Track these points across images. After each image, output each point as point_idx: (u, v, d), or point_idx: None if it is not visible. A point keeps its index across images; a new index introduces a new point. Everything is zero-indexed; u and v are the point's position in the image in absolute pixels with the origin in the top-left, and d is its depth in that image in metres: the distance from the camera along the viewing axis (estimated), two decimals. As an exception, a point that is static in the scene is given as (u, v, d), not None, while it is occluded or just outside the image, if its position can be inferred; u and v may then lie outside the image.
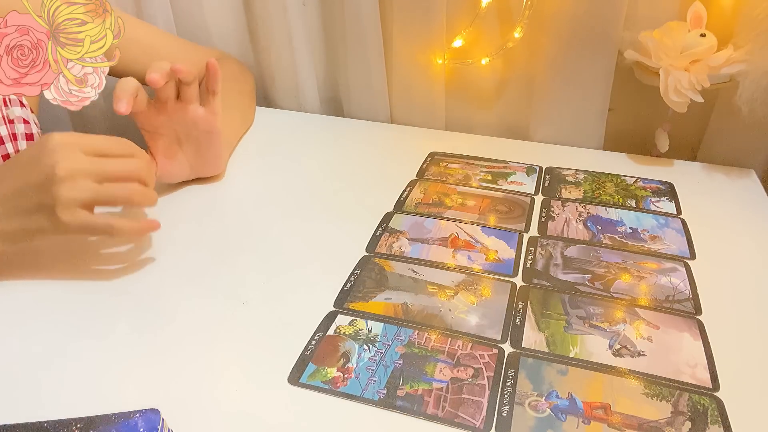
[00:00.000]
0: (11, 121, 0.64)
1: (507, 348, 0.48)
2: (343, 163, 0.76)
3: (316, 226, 0.63)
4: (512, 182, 0.71)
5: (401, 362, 0.46)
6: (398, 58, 0.81)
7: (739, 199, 0.68)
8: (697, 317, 0.51)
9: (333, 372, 0.46)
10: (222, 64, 0.83)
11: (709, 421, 0.42)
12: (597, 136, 0.79)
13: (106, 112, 0.96)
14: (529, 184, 0.70)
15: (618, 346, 0.48)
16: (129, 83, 0.55)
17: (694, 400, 0.43)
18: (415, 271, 0.56)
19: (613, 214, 0.64)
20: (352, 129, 0.86)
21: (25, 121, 0.65)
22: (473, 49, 0.79)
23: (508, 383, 0.44)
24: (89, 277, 0.56)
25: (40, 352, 0.48)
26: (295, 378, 0.45)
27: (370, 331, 0.49)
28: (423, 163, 0.75)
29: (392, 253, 0.59)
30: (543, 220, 0.64)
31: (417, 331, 0.49)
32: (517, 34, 0.75)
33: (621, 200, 0.67)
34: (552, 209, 0.65)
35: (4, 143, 0.63)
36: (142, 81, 0.57)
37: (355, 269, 0.56)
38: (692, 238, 0.61)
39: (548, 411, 0.42)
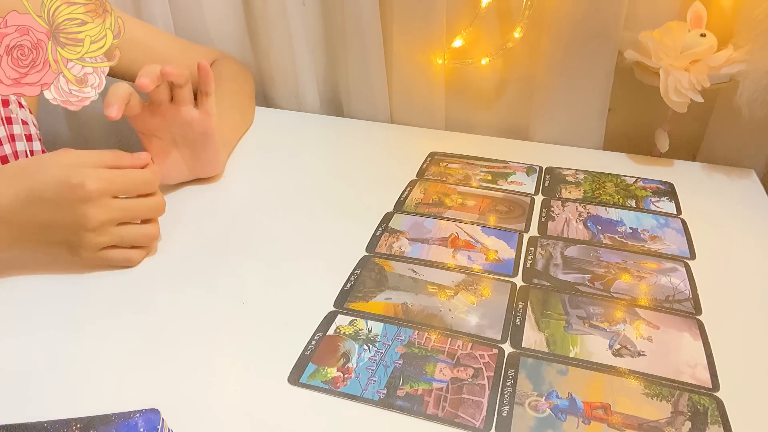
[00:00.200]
0: (9, 121, 0.64)
1: (507, 348, 0.48)
2: (343, 163, 0.76)
3: (316, 226, 0.63)
4: (512, 182, 0.71)
5: (401, 362, 0.46)
6: (398, 58, 0.81)
7: (739, 199, 0.68)
8: (697, 317, 0.51)
9: (333, 372, 0.46)
10: (222, 63, 0.83)
11: (709, 421, 0.42)
12: (597, 136, 0.79)
13: (103, 112, 0.95)
14: (529, 184, 0.70)
15: (618, 346, 0.48)
16: (120, 88, 0.55)
17: (694, 400, 0.43)
18: (415, 271, 0.56)
19: (613, 214, 0.64)
20: (352, 129, 0.86)
21: (24, 122, 0.65)
22: (473, 49, 0.79)
23: (508, 383, 0.44)
24: (89, 277, 0.56)
25: (40, 352, 0.48)
26: (295, 378, 0.45)
27: (370, 331, 0.49)
28: (423, 163, 0.75)
29: (392, 253, 0.59)
30: (543, 220, 0.64)
31: (417, 331, 0.49)
32: (517, 34, 0.75)
33: (621, 200, 0.67)
34: (552, 209, 0.65)
35: (2, 144, 0.63)
36: None
37: (355, 269, 0.56)
38: (692, 238, 0.61)
39: (548, 411, 0.42)
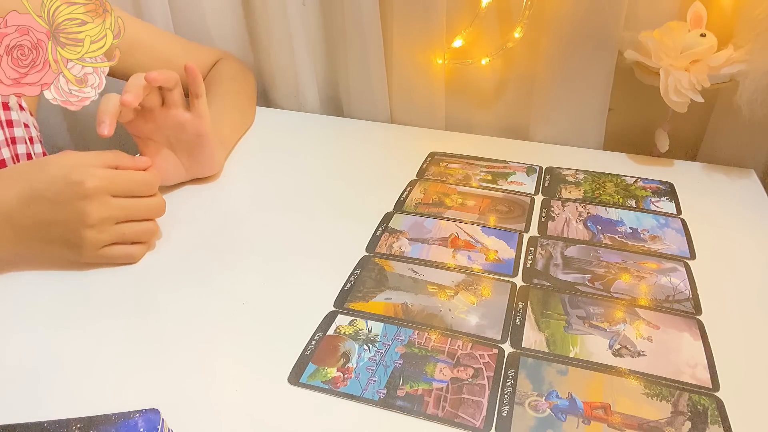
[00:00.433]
0: (10, 124, 0.64)
1: (507, 348, 0.48)
2: (343, 163, 0.76)
3: (316, 225, 0.63)
4: (512, 182, 0.71)
5: (401, 362, 0.46)
6: (398, 58, 0.81)
7: (739, 199, 0.68)
8: (697, 317, 0.51)
9: (333, 372, 0.46)
10: (222, 63, 0.83)
11: (709, 421, 0.42)
12: (597, 136, 0.79)
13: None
14: (529, 184, 0.70)
15: (618, 346, 0.48)
16: (110, 103, 0.54)
17: (694, 400, 0.43)
18: (415, 271, 0.56)
19: (613, 214, 0.64)
20: (352, 129, 0.86)
21: (25, 125, 0.65)
22: (473, 49, 0.79)
23: (508, 383, 0.44)
24: (89, 277, 0.56)
25: (40, 352, 0.48)
26: (295, 378, 0.45)
27: (370, 331, 0.49)
28: (423, 163, 0.75)
29: (392, 253, 0.59)
30: (543, 220, 0.64)
31: (417, 331, 0.49)
32: (517, 34, 0.75)
33: (621, 200, 0.67)
34: (552, 209, 0.65)
35: (2, 147, 0.63)
36: None
37: (355, 269, 0.56)
38: (692, 238, 0.61)
39: (548, 411, 0.42)
